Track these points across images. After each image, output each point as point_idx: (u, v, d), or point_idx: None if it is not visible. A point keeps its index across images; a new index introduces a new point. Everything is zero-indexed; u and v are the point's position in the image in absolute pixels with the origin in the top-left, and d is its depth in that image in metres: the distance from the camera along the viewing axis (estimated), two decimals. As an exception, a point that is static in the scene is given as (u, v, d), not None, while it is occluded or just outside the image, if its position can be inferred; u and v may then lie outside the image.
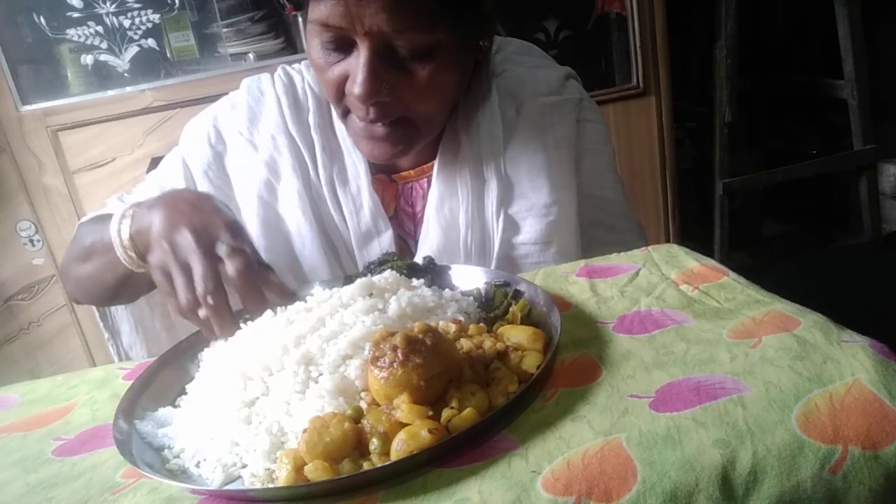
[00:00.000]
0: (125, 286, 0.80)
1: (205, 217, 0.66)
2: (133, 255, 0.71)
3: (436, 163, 0.85)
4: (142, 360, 0.86)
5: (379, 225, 0.85)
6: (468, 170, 0.84)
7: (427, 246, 0.84)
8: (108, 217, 0.81)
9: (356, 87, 0.72)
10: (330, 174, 0.85)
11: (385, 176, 0.88)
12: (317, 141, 0.86)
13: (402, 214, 0.89)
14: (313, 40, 0.75)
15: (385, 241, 0.84)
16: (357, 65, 0.72)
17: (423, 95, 0.76)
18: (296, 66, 0.92)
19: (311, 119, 0.87)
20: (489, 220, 0.84)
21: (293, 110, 0.87)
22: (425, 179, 0.88)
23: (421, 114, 0.78)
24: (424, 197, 0.87)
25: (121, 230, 0.71)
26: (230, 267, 0.63)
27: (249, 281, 0.63)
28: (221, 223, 0.66)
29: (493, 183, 0.84)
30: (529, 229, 0.84)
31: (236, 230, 0.67)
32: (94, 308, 0.93)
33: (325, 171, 0.85)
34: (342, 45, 0.73)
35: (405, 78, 0.74)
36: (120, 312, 0.93)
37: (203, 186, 0.87)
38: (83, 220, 0.89)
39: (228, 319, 0.63)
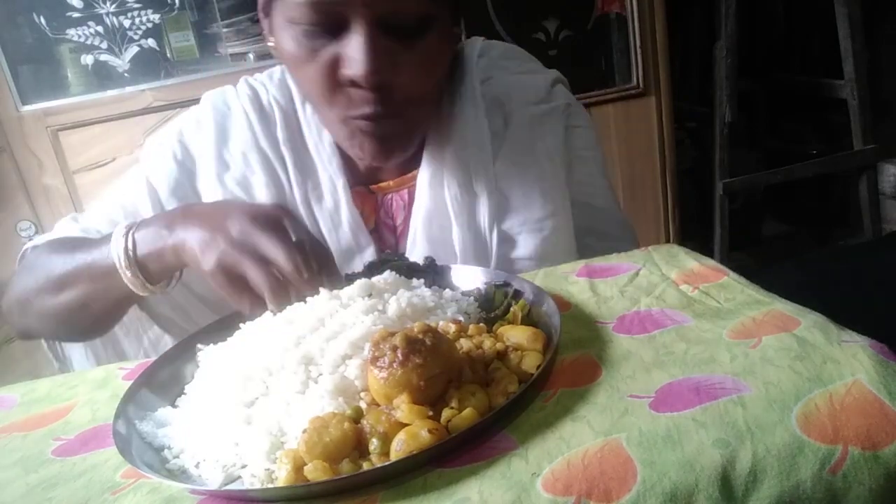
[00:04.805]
0: (113, 313, 0.77)
1: (250, 206, 0.64)
2: (140, 276, 0.68)
3: (420, 174, 0.82)
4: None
5: (360, 241, 0.81)
6: (457, 183, 0.81)
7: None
8: (75, 241, 0.77)
9: (359, 65, 0.66)
10: (304, 191, 0.82)
11: (364, 188, 0.84)
12: (287, 157, 0.82)
13: (382, 227, 0.85)
14: (291, 30, 0.69)
15: (367, 258, 0.80)
16: (355, 43, 0.67)
17: (420, 73, 0.72)
18: (258, 76, 0.88)
19: (280, 134, 0.82)
20: (483, 236, 0.82)
21: (262, 125, 0.83)
22: (406, 190, 0.84)
23: (417, 96, 0.74)
24: (406, 208, 0.84)
25: (127, 251, 0.67)
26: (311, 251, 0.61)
27: (332, 266, 0.63)
28: (273, 207, 0.64)
29: (484, 197, 0.81)
30: (524, 245, 0.81)
31: (291, 214, 0.65)
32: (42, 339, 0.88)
33: (299, 189, 0.81)
34: (330, 27, 0.68)
35: (402, 54, 0.69)
36: (70, 344, 0.88)
37: (171, 206, 0.81)
38: (31, 245, 0.83)
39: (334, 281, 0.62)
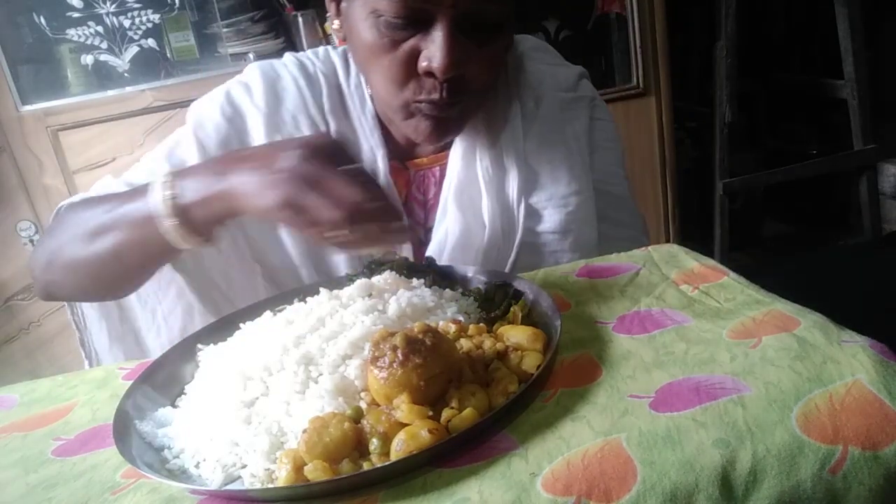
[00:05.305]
0: (146, 268, 0.75)
1: (303, 141, 0.63)
2: (185, 226, 0.65)
3: (454, 149, 0.86)
4: (113, 357, 0.85)
5: None
6: (488, 157, 0.85)
7: (443, 232, 0.84)
8: (110, 196, 0.76)
9: (439, 60, 0.72)
10: None
11: (398, 163, 0.88)
12: (332, 125, 0.85)
13: (412, 201, 0.89)
14: (372, 20, 0.74)
15: None
16: (437, 38, 0.72)
17: (488, 71, 0.78)
18: (301, 53, 0.91)
19: (325, 102, 0.86)
20: (511, 208, 0.85)
21: (310, 90, 0.86)
22: (438, 168, 0.88)
23: (478, 90, 0.79)
24: (436, 184, 0.88)
25: (169, 199, 0.65)
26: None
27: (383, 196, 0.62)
28: (325, 139, 0.64)
29: (514, 172, 0.85)
30: (550, 219, 0.85)
31: (343, 145, 0.65)
32: (66, 304, 0.87)
33: None
34: (414, 21, 0.72)
35: (475, 53, 0.75)
36: (89, 312, 0.87)
37: None
38: (68, 202, 0.82)
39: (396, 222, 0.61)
